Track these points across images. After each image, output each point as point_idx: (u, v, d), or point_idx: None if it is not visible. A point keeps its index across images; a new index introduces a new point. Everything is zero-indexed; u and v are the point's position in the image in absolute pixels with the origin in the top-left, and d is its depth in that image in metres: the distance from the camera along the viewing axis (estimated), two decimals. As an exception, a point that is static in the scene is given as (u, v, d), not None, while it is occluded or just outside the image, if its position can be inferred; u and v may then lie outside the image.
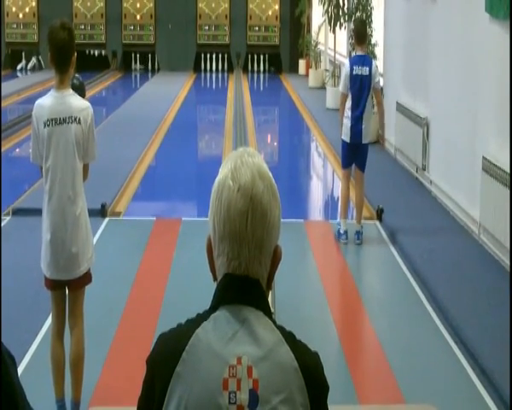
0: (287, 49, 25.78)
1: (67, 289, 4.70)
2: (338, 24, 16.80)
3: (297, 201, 10.56)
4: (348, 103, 8.18)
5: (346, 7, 16.54)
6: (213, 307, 1.73)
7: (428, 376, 5.42)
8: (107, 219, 8.87)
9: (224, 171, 1.74)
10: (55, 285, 4.66)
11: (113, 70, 25.63)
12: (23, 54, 26.18)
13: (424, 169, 10.38)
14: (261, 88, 24.93)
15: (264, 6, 26.11)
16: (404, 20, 11.93)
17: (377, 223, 8.94)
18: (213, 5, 26.07)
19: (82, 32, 25.37)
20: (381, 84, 10.89)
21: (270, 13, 26.14)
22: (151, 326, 5.92)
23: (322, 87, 19.99)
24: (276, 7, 26.11)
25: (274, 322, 1.73)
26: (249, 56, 26.32)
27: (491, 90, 7.78)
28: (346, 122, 8.18)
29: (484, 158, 7.73)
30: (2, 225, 8.42)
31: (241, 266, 1.71)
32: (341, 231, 8.27)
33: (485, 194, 7.72)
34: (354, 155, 8.28)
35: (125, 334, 6.01)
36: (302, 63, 24.39)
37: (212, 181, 1.76)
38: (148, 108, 17.49)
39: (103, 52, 26.37)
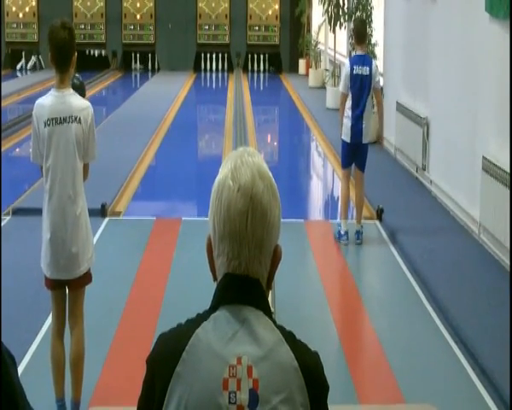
0: (287, 49, 25.78)
1: (67, 289, 4.70)
2: (338, 24, 16.80)
3: (297, 201, 10.55)
4: (348, 103, 8.18)
5: (346, 6, 16.54)
6: (213, 307, 1.72)
7: (428, 376, 5.42)
8: (107, 219, 8.87)
9: (224, 171, 1.74)
10: (55, 285, 4.66)
11: (113, 70, 25.62)
12: (23, 53, 26.18)
13: (424, 169, 10.37)
14: (261, 88, 24.92)
15: (264, 6, 26.11)
16: (404, 20, 11.93)
17: (377, 223, 8.93)
18: (213, 5, 26.06)
19: (82, 31, 25.36)
20: (381, 83, 10.89)
21: (270, 12, 26.14)
22: (151, 326, 5.92)
23: (322, 87, 19.98)
24: (276, 6, 26.11)
25: (274, 322, 1.73)
26: (249, 56, 26.31)
27: (491, 90, 7.77)
28: (346, 122, 8.18)
29: (484, 158, 7.73)
30: (2, 224, 8.42)
31: (241, 265, 1.71)
32: (342, 232, 8.25)
33: (485, 194, 7.72)
34: (354, 154, 8.27)
35: (125, 334, 6.01)
36: (302, 63, 24.39)
37: (212, 181, 1.76)
38: (148, 108, 17.48)
39: (103, 52, 26.37)
